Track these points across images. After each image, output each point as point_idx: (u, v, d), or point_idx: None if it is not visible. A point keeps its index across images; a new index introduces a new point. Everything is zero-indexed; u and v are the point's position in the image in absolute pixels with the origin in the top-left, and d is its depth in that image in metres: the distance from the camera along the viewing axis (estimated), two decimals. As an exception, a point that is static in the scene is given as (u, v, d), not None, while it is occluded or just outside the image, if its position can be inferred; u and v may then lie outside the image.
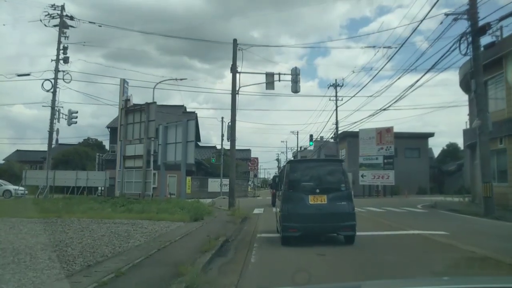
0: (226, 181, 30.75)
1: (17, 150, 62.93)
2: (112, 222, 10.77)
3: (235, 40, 18.39)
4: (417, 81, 20.05)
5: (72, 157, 48.60)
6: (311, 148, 65.51)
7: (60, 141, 58.28)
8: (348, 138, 45.04)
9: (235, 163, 19.46)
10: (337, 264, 6.81)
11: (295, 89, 18.45)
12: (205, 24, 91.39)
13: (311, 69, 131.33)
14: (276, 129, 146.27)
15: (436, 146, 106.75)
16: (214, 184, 39.18)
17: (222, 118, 35.02)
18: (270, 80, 18.52)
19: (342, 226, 8.43)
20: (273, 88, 18.52)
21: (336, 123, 44.00)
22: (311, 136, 46.41)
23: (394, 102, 33.15)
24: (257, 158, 69.70)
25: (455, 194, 29.35)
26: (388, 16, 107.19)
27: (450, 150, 57.12)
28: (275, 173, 62.09)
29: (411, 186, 40.76)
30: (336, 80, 42.88)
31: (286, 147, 75.83)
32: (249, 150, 68.42)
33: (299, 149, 69.25)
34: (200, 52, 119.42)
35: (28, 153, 59.59)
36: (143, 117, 21.18)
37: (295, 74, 18.56)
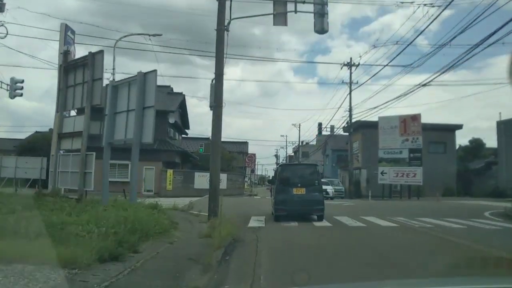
0: (221, 176, 23.69)
1: (-12, 139, 55.87)
2: None
3: None
4: (474, 47, 13.07)
5: (40, 144, 42.02)
6: (314, 143, 58.80)
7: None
8: (362, 129, 37.95)
9: (220, 143, 12.37)
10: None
11: (321, 26, 11.29)
12: (206, 20, 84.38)
13: (311, 66, 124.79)
14: (276, 122, 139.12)
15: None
16: (201, 180, 31.84)
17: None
18: (280, 10, 11.37)
19: (315, 209, 12.59)
20: (285, 24, 11.36)
21: (350, 110, 36.90)
22: (319, 125, 39.17)
23: (438, 76, 24.88)
24: (254, 154, 63.36)
25: (488, 197, 23.58)
26: None
27: (474, 147, 50.42)
28: (273, 169, 57.24)
29: (435, 186, 33.33)
30: (351, 58, 35.80)
31: (286, 142, 68.68)
32: (246, 143, 61.53)
33: (301, 143, 62.40)
34: (200, 48, 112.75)
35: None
36: (87, 76, 14.07)
37: (321, 4, 11.45)
